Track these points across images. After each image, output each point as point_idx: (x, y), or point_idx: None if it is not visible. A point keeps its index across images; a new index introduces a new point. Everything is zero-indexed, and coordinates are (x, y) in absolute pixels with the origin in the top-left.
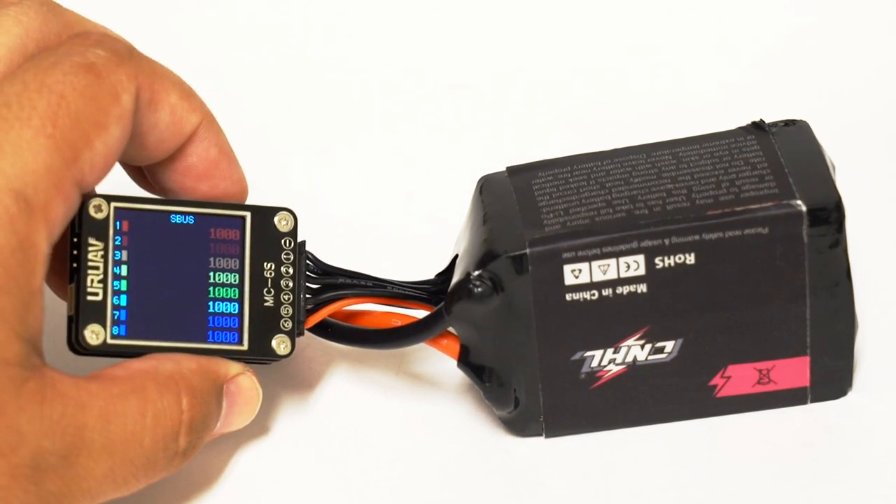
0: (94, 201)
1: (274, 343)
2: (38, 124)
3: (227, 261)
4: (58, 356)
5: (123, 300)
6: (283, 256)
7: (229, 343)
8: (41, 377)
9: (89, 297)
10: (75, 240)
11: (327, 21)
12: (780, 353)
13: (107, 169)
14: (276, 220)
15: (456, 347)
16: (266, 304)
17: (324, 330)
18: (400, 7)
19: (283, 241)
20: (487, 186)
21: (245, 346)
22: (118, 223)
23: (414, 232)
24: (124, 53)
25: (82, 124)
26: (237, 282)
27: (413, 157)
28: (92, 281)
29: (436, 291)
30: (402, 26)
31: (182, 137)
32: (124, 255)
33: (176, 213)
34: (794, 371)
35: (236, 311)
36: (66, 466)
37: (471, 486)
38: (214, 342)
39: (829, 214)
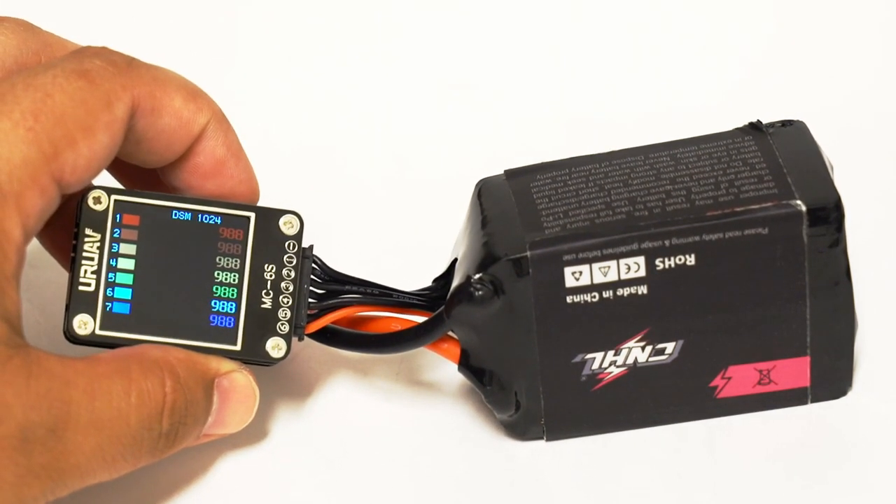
0: (94, 193)
1: (268, 346)
2: (18, 117)
3: (229, 260)
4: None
5: (118, 292)
6: (285, 259)
7: (221, 342)
8: (26, 354)
9: (81, 288)
10: (76, 230)
11: (328, 22)
12: (781, 353)
13: (90, 173)
14: (281, 222)
15: (456, 351)
16: (263, 305)
17: (324, 335)
18: (399, 8)
19: (286, 244)
20: (486, 190)
21: (238, 347)
22: (119, 216)
23: (411, 236)
24: (122, 64)
25: (67, 124)
26: (236, 281)
27: (411, 161)
28: (85, 271)
29: (439, 297)
30: (401, 28)
31: (190, 139)
32: (124, 247)
33: (179, 209)
34: (795, 371)
35: (233, 310)
36: (55, 440)
37: (472, 490)
38: (206, 340)
39: (828, 214)
